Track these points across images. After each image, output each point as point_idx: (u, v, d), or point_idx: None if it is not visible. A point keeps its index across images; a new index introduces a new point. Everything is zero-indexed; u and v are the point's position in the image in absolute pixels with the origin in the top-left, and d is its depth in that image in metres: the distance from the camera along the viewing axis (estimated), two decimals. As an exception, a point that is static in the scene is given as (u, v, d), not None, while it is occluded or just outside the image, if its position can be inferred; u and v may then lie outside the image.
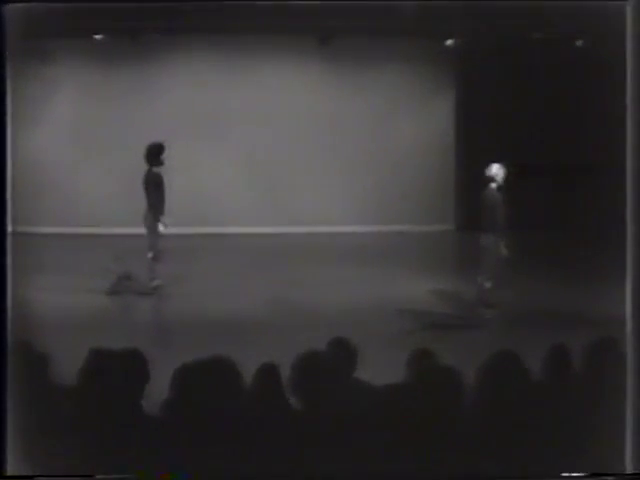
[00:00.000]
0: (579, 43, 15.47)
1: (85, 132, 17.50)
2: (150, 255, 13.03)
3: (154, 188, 13.06)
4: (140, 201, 13.18)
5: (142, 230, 13.19)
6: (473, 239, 12.33)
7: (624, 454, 4.89)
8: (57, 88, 17.44)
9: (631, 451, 4.89)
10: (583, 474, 4.77)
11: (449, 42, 16.68)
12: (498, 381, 5.00)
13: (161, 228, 12.90)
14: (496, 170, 11.82)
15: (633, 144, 5.13)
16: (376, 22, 14.20)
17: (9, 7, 5.03)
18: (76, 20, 12.21)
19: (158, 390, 4.82)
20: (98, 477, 4.56)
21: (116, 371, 4.75)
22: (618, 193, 5.57)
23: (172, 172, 13.55)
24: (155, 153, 13.12)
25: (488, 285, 11.95)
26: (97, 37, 16.05)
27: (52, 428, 4.59)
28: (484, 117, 17.43)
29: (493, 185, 11.82)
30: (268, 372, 5.03)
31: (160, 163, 13.12)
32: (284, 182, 18.03)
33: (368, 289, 13.39)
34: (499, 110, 17.14)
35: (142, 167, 13.19)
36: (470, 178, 15.45)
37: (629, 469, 4.89)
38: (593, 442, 4.82)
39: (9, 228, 5.10)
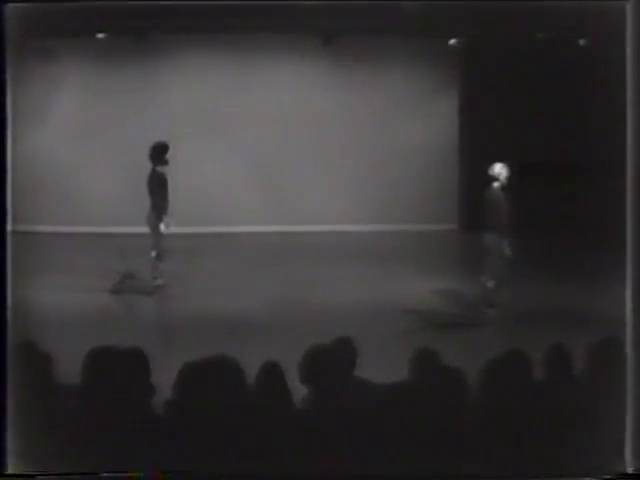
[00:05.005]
0: (579, 43, 15.44)
1: (88, 131, 17.51)
2: (153, 254, 13.04)
3: (158, 187, 13.07)
4: (144, 200, 13.19)
5: (145, 229, 13.21)
6: (476, 238, 12.33)
7: (624, 454, 4.90)
8: (59, 87, 17.45)
9: (631, 451, 4.89)
10: (583, 474, 4.78)
11: (452, 42, 16.67)
12: (500, 381, 5.00)
13: (162, 227, 12.91)
14: (499, 169, 11.82)
15: (633, 144, 5.13)
16: (379, 22, 14.21)
17: (9, 7, 5.03)
18: (78, 19, 12.24)
19: (160, 389, 4.82)
20: (99, 476, 4.56)
21: (117, 370, 4.74)
22: (618, 193, 5.57)
23: (176, 171, 13.56)
24: (159, 152, 13.13)
25: (491, 284, 11.96)
26: (100, 36, 16.04)
27: (53, 427, 4.59)
28: (487, 116, 17.43)
29: (496, 184, 11.82)
30: (271, 371, 5.03)
31: (164, 162, 13.13)
32: (287, 181, 18.03)
33: (371, 288, 13.39)
34: (502, 109, 17.13)
35: (146, 166, 13.20)
36: (473, 177, 15.44)
37: (629, 469, 4.89)
38: (593, 442, 4.82)
39: (9, 227, 5.10)
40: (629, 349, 5.12)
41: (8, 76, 5.02)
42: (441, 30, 15.93)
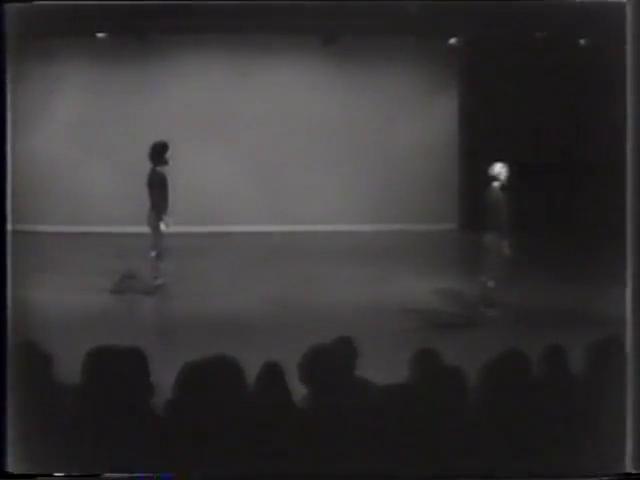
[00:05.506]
0: (579, 43, 15.43)
1: (88, 131, 17.51)
2: (153, 254, 13.04)
3: (158, 187, 13.07)
4: (144, 200, 13.19)
5: (145, 229, 13.21)
6: (476, 238, 12.32)
7: (624, 454, 4.89)
8: (59, 87, 17.46)
9: (631, 451, 4.89)
10: (583, 474, 4.78)
11: (452, 41, 16.66)
12: (499, 380, 5.00)
13: (162, 227, 12.91)
14: (499, 169, 11.83)
15: (633, 144, 5.13)
16: (379, 22, 14.21)
17: (9, 6, 5.03)
18: (78, 19, 12.23)
19: (160, 389, 4.82)
20: (99, 476, 4.56)
21: (117, 370, 4.74)
22: (618, 193, 5.57)
23: (176, 171, 13.56)
24: (159, 152, 13.12)
25: (491, 284, 11.96)
26: (100, 36, 16.03)
27: (53, 427, 4.59)
28: (487, 116, 17.42)
29: (496, 184, 11.82)
30: (271, 371, 5.03)
31: (164, 162, 13.13)
32: (287, 181, 18.04)
33: (371, 288, 13.39)
34: (502, 109, 17.14)
35: (146, 166, 13.20)
36: (473, 177, 15.44)
37: (629, 469, 4.89)
38: (593, 442, 4.82)
39: (10, 227, 5.10)
40: (629, 349, 5.12)
41: (8, 76, 5.02)
42: (441, 30, 15.93)
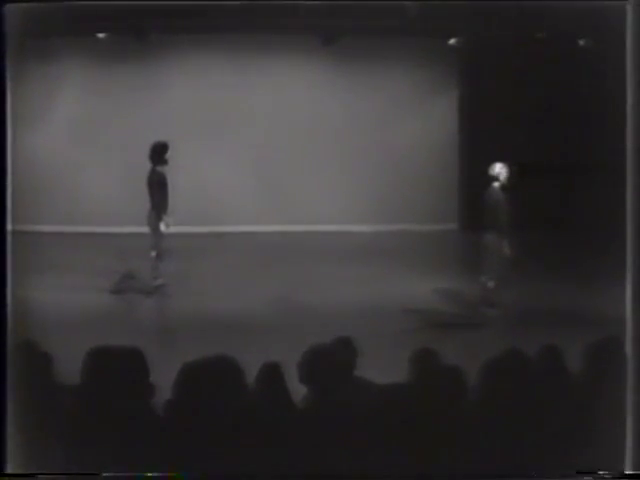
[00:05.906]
0: (579, 43, 15.42)
1: (88, 131, 17.51)
2: (153, 254, 13.04)
3: (158, 187, 13.08)
4: (143, 200, 13.20)
5: (145, 229, 13.21)
6: (476, 238, 12.33)
7: (624, 454, 4.89)
8: (59, 87, 17.46)
9: (631, 451, 4.89)
10: (583, 474, 4.77)
11: (452, 41, 16.64)
12: (499, 381, 5.00)
13: (162, 227, 12.91)
14: (499, 169, 11.84)
15: (633, 144, 5.13)
16: (379, 22, 14.21)
17: (9, 7, 5.03)
18: (78, 19, 12.23)
19: (160, 389, 4.82)
20: (99, 475, 4.56)
21: (117, 370, 4.74)
22: (618, 193, 5.57)
23: (176, 171, 13.56)
24: (159, 152, 13.14)
25: (491, 284, 11.97)
26: (100, 36, 16.02)
27: (53, 427, 4.59)
28: (487, 116, 17.43)
29: (496, 184, 11.83)
30: (271, 371, 5.03)
31: (164, 162, 13.14)
32: (287, 181, 18.04)
33: (371, 288, 13.39)
34: (502, 109, 17.14)
35: (146, 166, 13.21)
36: (473, 177, 15.44)
37: (629, 469, 4.89)
38: (593, 442, 4.82)
39: (10, 227, 5.10)
40: (629, 349, 5.12)
41: (8, 76, 5.02)
42: (441, 30, 15.92)
